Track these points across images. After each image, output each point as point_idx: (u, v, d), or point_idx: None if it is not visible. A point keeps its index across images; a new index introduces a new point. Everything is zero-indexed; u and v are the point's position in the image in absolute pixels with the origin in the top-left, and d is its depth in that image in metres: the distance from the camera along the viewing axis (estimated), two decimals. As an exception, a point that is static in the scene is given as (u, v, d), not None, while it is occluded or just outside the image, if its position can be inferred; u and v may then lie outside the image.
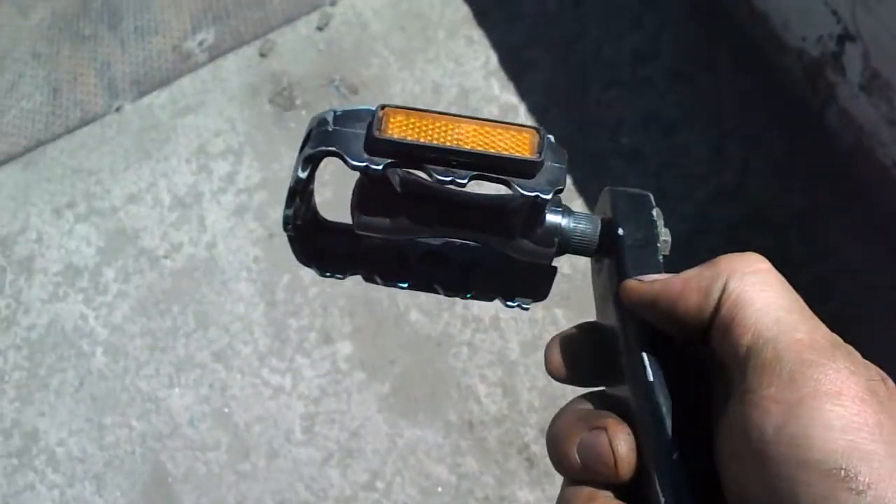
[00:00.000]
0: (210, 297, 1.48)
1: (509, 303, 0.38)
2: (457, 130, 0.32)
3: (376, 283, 0.38)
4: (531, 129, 0.32)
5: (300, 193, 0.34)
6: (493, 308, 1.37)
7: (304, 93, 1.63)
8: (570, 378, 0.35)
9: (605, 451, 0.30)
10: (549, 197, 0.32)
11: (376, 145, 0.31)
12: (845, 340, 0.27)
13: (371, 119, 0.32)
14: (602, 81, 1.51)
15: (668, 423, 0.29)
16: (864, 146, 1.29)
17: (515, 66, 1.55)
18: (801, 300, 0.29)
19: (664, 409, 0.29)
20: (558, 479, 0.33)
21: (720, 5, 1.51)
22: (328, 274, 0.38)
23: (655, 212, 0.36)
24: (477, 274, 0.38)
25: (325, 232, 0.38)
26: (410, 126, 0.31)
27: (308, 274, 1.43)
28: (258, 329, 1.44)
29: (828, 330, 0.28)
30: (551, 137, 0.33)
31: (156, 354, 1.46)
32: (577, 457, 0.31)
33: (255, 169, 1.57)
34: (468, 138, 0.31)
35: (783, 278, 0.29)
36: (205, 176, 1.59)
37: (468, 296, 0.38)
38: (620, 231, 0.35)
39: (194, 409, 1.40)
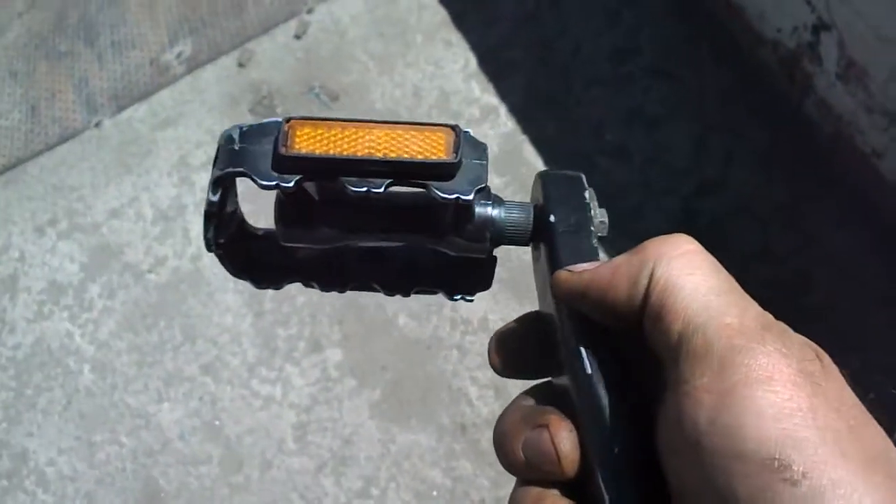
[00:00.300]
0: (197, 310, 1.47)
1: (453, 296, 0.37)
2: (367, 138, 0.31)
3: (314, 288, 0.37)
4: (446, 129, 0.31)
5: (216, 216, 0.33)
6: (481, 310, 1.36)
7: (285, 101, 1.62)
8: (515, 372, 0.35)
9: (547, 450, 0.29)
10: (470, 197, 0.31)
11: (284, 163, 0.30)
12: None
13: (277, 134, 0.31)
14: (583, 80, 1.52)
15: (608, 416, 0.28)
16: (843, 135, 1.30)
17: (495, 68, 1.55)
18: (732, 281, 0.28)
19: (604, 402, 0.29)
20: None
21: (694, 2, 1.52)
22: (263, 285, 0.37)
23: (588, 193, 0.34)
24: (417, 270, 0.37)
25: (255, 242, 0.37)
26: (318, 138, 0.31)
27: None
28: (246, 340, 1.43)
29: (760, 310, 0.27)
30: (469, 132, 0.32)
31: (144, 369, 1.45)
32: (522, 456, 0.30)
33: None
34: (380, 145, 0.31)
35: (713, 259, 0.28)
36: (187, 188, 1.58)
37: (410, 293, 0.37)
38: (552, 218, 0.33)
39: (184, 423, 1.39)
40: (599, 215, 0.34)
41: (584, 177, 0.35)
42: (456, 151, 0.31)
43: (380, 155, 0.30)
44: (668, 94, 1.48)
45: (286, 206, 0.34)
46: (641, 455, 0.27)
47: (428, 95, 1.55)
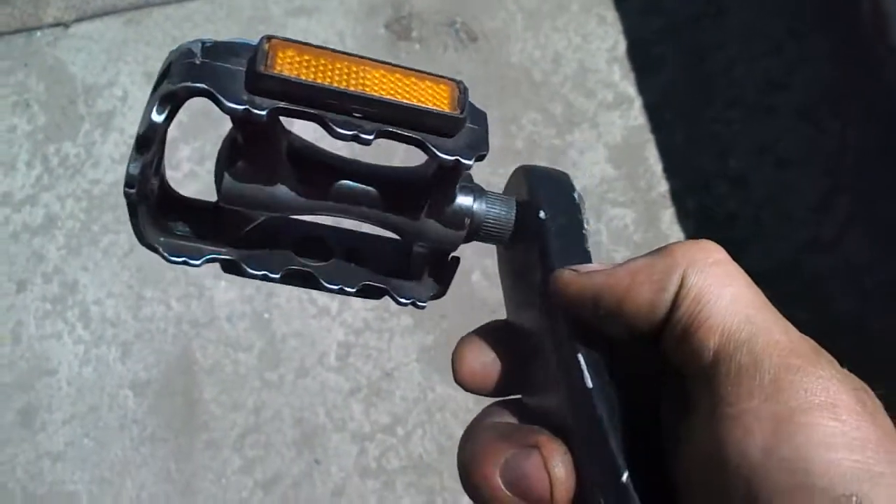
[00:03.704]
0: (278, 202, 1.46)
1: (401, 299, 0.32)
2: (361, 75, 0.26)
3: (240, 273, 0.31)
4: (450, 81, 0.27)
5: (153, 144, 0.26)
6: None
7: (422, 27, 1.59)
8: (482, 388, 0.30)
9: (538, 475, 0.25)
10: (470, 162, 0.27)
11: (261, 82, 0.25)
12: None
13: (254, 53, 0.25)
14: (726, 99, 1.46)
15: (614, 438, 0.24)
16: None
17: (642, 59, 1.50)
18: (765, 298, 0.24)
19: (607, 422, 0.24)
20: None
21: (862, 49, 1.45)
22: (178, 258, 0.30)
23: (577, 195, 0.31)
24: (363, 266, 0.32)
25: (176, 206, 0.31)
26: (304, 64, 0.25)
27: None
28: (318, 246, 1.42)
29: (800, 333, 0.24)
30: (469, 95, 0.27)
31: (211, 243, 1.44)
32: (499, 483, 0.25)
33: (354, 88, 1.54)
34: (376, 85, 0.26)
35: (744, 272, 0.25)
36: (303, 81, 1.56)
37: (354, 289, 0.32)
38: (542, 214, 0.29)
39: (236, 306, 1.39)
40: (588, 222, 0.30)
41: (570, 176, 0.31)
42: (462, 108, 0.26)
43: (377, 94, 0.26)
44: (807, 139, 1.42)
45: (241, 150, 0.27)
46: (652, 483, 0.23)
47: (566, 65, 1.51)
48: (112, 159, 1.53)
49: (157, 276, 1.42)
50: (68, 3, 1.67)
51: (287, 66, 0.25)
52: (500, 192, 0.33)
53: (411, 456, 1.28)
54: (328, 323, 1.36)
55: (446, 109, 0.26)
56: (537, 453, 0.25)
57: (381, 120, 0.26)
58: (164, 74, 0.26)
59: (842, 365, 0.23)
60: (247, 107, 0.25)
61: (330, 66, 0.26)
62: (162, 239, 0.30)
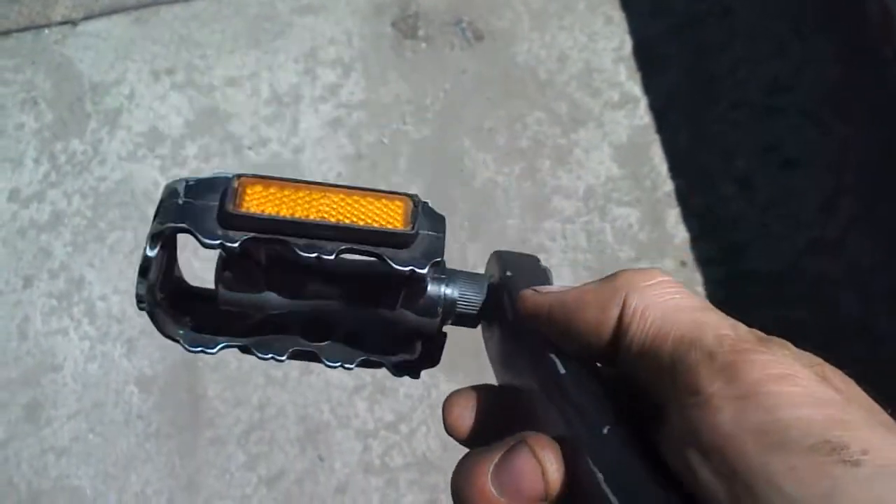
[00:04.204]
0: (284, 200, 1.46)
1: (398, 372, 0.35)
2: (321, 201, 0.29)
3: (252, 355, 0.35)
4: (404, 198, 0.30)
5: (150, 272, 0.31)
6: (560, 291, 1.34)
7: (429, 25, 1.59)
8: (474, 439, 0.32)
9: (529, 467, 0.26)
10: (424, 271, 0.30)
11: (231, 221, 0.29)
12: None
13: (226, 190, 0.29)
14: (731, 99, 1.46)
15: (593, 405, 0.26)
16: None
17: (648, 59, 1.50)
18: (709, 303, 0.26)
19: (585, 398, 0.26)
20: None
21: (868, 50, 1.45)
22: (196, 348, 0.34)
23: (545, 266, 0.34)
24: (363, 342, 0.35)
25: (191, 302, 0.35)
26: (269, 198, 0.29)
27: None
28: (323, 244, 1.42)
29: (748, 328, 0.25)
30: (428, 203, 0.31)
31: (217, 240, 1.45)
32: (492, 489, 0.26)
33: (360, 87, 1.54)
34: (334, 210, 0.29)
35: (683, 286, 0.27)
36: (309, 80, 1.56)
37: (353, 365, 0.35)
38: (508, 273, 0.33)
39: (241, 303, 1.39)
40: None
41: (540, 259, 0.35)
42: (413, 223, 0.30)
43: (332, 220, 0.29)
44: (812, 140, 1.42)
45: (229, 267, 0.32)
46: (646, 453, 0.24)
47: (572, 65, 1.51)
48: (119, 157, 1.54)
49: (163, 272, 1.43)
50: (76, 2, 1.68)
51: (254, 202, 0.29)
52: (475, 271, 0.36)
53: (415, 453, 1.28)
54: (333, 320, 1.37)
55: (398, 227, 0.29)
56: (525, 447, 0.26)
57: (341, 240, 0.29)
58: (156, 213, 0.30)
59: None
60: (221, 241, 0.29)
61: (292, 197, 0.29)
62: (181, 332, 0.34)
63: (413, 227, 0.29)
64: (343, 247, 0.29)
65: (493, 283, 0.34)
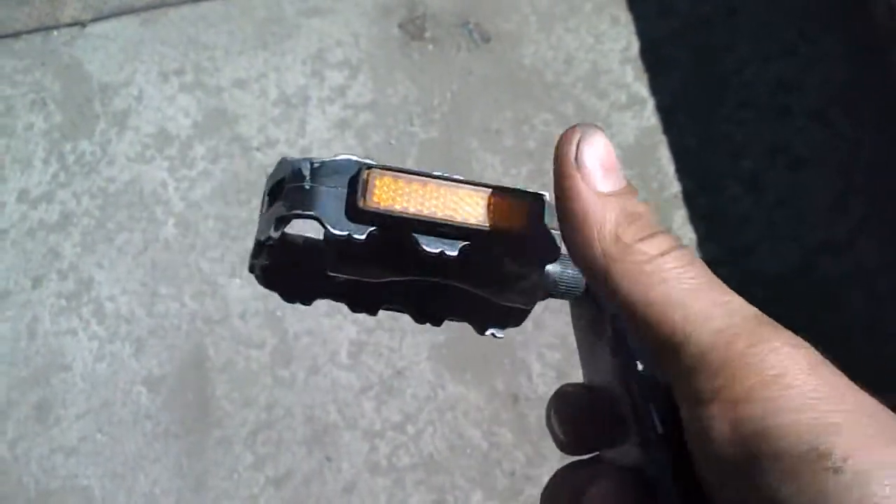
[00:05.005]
0: (291, 201, 1.47)
1: (483, 331, 0.35)
2: (449, 197, 0.29)
3: (342, 304, 0.36)
4: (532, 196, 0.30)
5: (268, 248, 0.32)
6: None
7: (436, 27, 1.59)
8: (575, 447, 0.31)
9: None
10: (541, 276, 0.30)
11: (360, 215, 0.29)
12: None
13: (354, 180, 0.29)
14: (738, 100, 1.46)
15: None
16: None
17: (654, 61, 1.50)
18: (705, 268, 0.25)
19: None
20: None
21: (876, 50, 1.45)
22: (294, 300, 0.35)
23: None
24: (452, 304, 0.36)
25: (294, 257, 0.35)
26: (398, 191, 0.29)
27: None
28: (330, 245, 1.43)
29: (742, 300, 0.25)
30: (546, 196, 0.30)
31: (225, 241, 1.45)
32: None
33: (367, 88, 1.55)
34: (460, 207, 0.29)
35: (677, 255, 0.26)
36: (317, 81, 1.57)
37: (441, 323, 0.36)
38: None
39: (249, 304, 1.40)
40: None
41: None
42: (538, 224, 0.29)
43: (459, 220, 0.29)
44: (821, 140, 1.42)
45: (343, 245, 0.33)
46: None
47: (579, 66, 1.51)
48: (127, 158, 1.54)
49: (171, 273, 1.44)
50: (85, 3, 1.69)
51: (383, 195, 0.29)
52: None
53: (422, 454, 1.28)
54: (340, 321, 1.37)
55: (523, 229, 0.30)
56: (604, 481, 0.27)
57: (464, 239, 0.29)
58: (277, 192, 0.30)
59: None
60: (349, 233, 0.29)
61: (420, 192, 0.29)
62: (280, 286, 0.35)
63: (538, 230, 0.29)
64: (466, 243, 0.30)
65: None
